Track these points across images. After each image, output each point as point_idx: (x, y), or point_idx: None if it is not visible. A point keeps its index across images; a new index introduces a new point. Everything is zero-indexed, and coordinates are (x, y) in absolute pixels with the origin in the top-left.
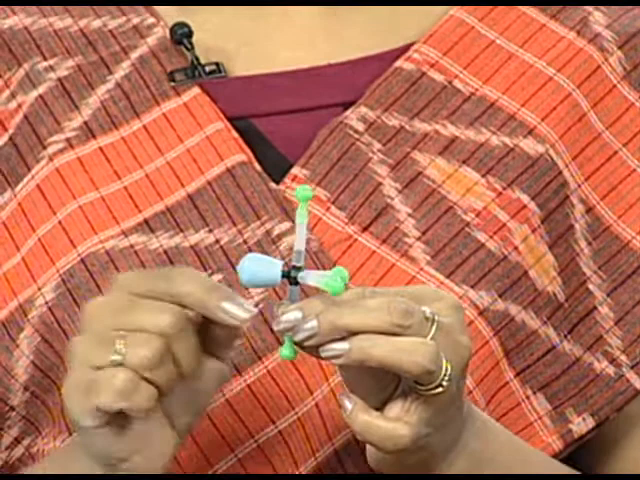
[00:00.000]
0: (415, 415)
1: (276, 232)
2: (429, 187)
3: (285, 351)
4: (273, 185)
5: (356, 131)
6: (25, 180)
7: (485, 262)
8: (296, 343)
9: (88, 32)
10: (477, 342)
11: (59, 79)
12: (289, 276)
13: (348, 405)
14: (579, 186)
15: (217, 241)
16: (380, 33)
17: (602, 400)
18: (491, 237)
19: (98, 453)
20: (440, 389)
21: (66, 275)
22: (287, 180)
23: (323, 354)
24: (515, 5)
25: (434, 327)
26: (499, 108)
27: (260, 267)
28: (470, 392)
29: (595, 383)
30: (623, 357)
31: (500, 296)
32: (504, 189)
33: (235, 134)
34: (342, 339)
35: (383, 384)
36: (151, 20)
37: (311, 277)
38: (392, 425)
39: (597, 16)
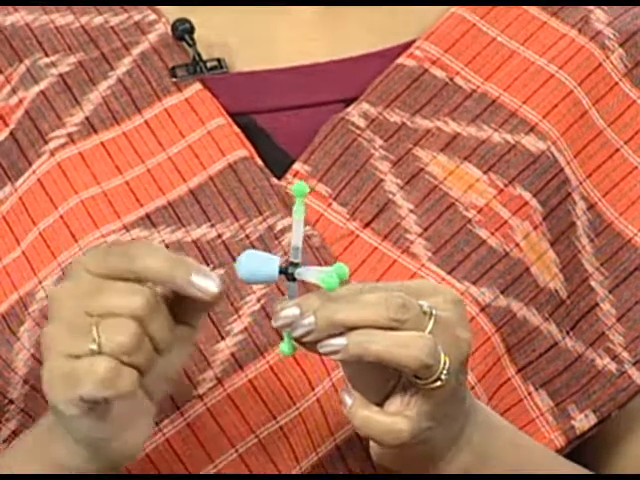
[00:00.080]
0: (415, 409)
1: (278, 227)
2: (431, 183)
3: (284, 347)
4: (275, 180)
5: (358, 127)
6: (26, 174)
7: (487, 259)
8: (295, 339)
9: (90, 29)
10: (479, 338)
11: (60, 75)
12: (286, 272)
13: (348, 400)
14: (581, 183)
15: (219, 236)
16: (382, 30)
17: (604, 397)
18: (493, 234)
19: (83, 437)
20: (439, 383)
21: (67, 269)
22: (289, 176)
23: (321, 350)
24: (516, 4)
25: (432, 321)
26: (500, 105)
27: (258, 263)
28: (472, 388)
29: (597, 380)
30: (625, 354)
31: (502, 293)
32: (506, 186)
33: (237, 129)
34: (340, 335)
35: (385, 379)
36: (152, 17)
37: (308, 273)
38: (391, 419)
39: (598, 14)
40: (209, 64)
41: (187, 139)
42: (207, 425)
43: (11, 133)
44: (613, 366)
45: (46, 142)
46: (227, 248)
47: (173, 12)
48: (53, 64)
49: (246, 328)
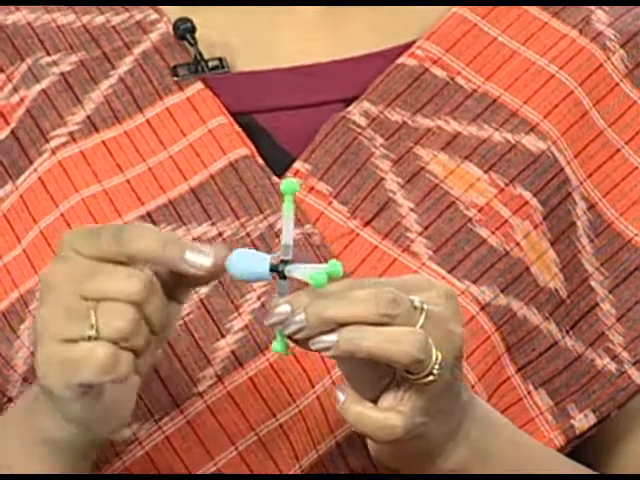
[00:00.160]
0: (408, 404)
1: (279, 226)
2: (431, 182)
3: (277, 345)
4: (276, 179)
5: (359, 126)
6: (27, 173)
7: (487, 258)
8: (288, 337)
9: (91, 28)
10: (479, 337)
11: (62, 74)
12: (277, 270)
13: (341, 396)
14: (581, 183)
15: (220, 234)
16: (383, 30)
17: (604, 396)
18: (493, 233)
19: (73, 417)
20: (431, 377)
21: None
22: (289, 174)
23: (312, 346)
24: (517, 4)
25: (423, 316)
26: (501, 105)
27: (249, 262)
28: (472, 387)
29: (597, 379)
30: (625, 354)
31: (502, 292)
32: (506, 185)
33: (238, 128)
34: (332, 331)
35: (379, 375)
36: (154, 16)
37: (297, 270)
38: (384, 415)
39: (599, 14)
40: (210, 64)
41: (188, 138)
42: (207, 423)
43: (12, 131)
44: (613, 366)
45: (47, 141)
46: None
47: (175, 11)
48: (55, 63)
49: (246, 326)
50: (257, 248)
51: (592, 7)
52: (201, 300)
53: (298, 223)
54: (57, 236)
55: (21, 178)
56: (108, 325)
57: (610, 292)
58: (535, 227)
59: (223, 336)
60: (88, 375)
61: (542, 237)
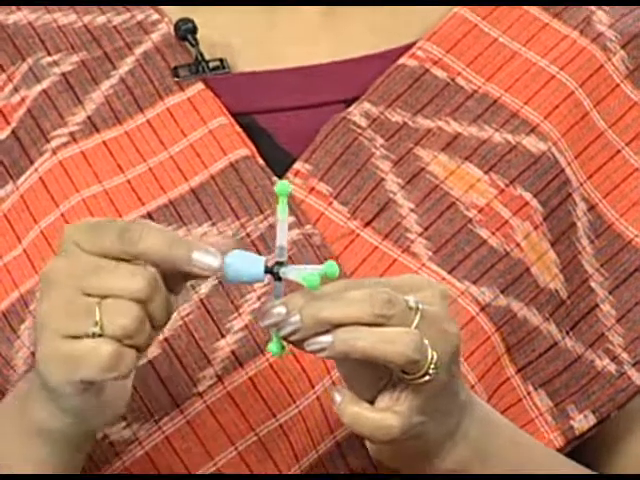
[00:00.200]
0: (405, 404)
1: None
2: (432, 183)
3: (273, 347)
4: (276, 179)
5: (359, 126)
6: (28, 173)
7: (487, 258)
8: (284, 338)
9: (92, 28)
10: (479, 338)
11: (63, 74)
12: (272, 272)
13: (337, 397)
14: (581, 184)
15: (220, 234)
16: (383, 31)
17: (604, 397)
18: (493, 234)
19: (70, 409)
20: (427, 377)
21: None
22: (290, 175)
23: (308, 348)
24: (518, 4)
25: (418, 316)
26: (502, 105)
27: (243, 264)
28: (472, 387)
29: (597, 380)
30: (625, 355)
31: (502, 292)
32: (506, 186)
33: (238, 129)
34: (327, 332)
35: (377, 376)
36: (155, 16)
37: (291, 272)
38: (380, 415)
39: (600, 15)
40: (211, 64)
41: (189, 138)
42: (207, 423)
43: (13, 131)
44: (612, 367)
45: (48, 141)
46: None
47: (175, 12)
48: (55, 63)
49: (246, 326)
50: (257, 248)
51: (593, 8)
52: (201, 300)
53: (298, 223)
54: (57, 236)
55: (22, 178)
56: (112, 322)
57: (610, 293)
58: (535, 228)
59: (223, 336)
60: (91, 372)
61: (542, 238)
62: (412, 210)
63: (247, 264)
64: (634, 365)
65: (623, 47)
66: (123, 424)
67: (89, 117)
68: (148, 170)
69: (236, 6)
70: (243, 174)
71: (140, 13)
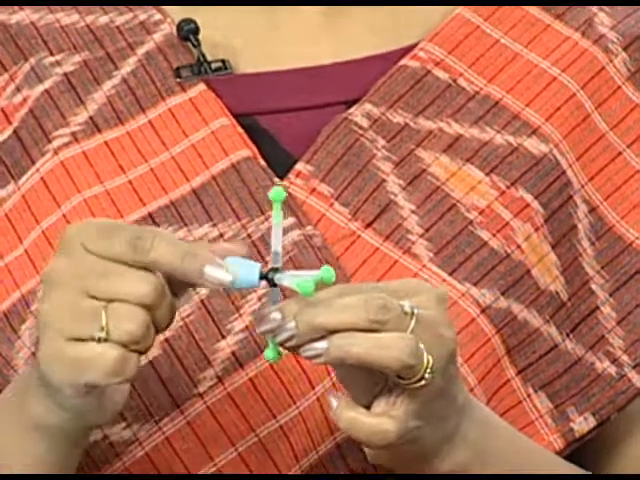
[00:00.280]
0: (401, 409)
1: None
2: (433, 184)
3: (269, 353)
4: (277, 180)
5: (360, 127)
6: (29, 173)
7: (488, 260)
8: (280, 344)
9: (95, 28)
10: (479, 340)
11: (65, 74)
12: (267, 278)
13: (334, 402)
14: (582, 186)
15: (221, 235)
16: (385, 32)
17: (604, 399)
18: (494, 235)
19: (69, 407)
20: (423, 382)
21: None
22: (291, 176)
23: (303, 354)
24: (520, 5)
25: (413, 321)
26: (503, 107)
27: (239, 270)
28: (471, 389)
29: (597, 382)
30: (625, 357)
31: (502, 294)
32: (507, 188)
33: (240, 130)
34: (322, 338)
35: (374, 381)
36: (158, 17)
37: (286, 278)
38: (377, 420)
39: (602, 17)
40: (213, 65)
41: (190, 139)
42: (207, 423)
43: (15, 131)
44: (613, 369)
45: (50, 141)
46: None
47: (177, 12)
48: (58, 63)
49: (247, 327)
50: (258, 249)
51: (595, 10)
52: (202, 301)
53: (299, 224)
54: (59, 236)
55: (23, 178)
56: (119, 328)
57: (610, 295)
58: (536, 230)
59: (223, 337)
60: (96, 377)
61: (543, 240)
62: (413, 211)
63: (242, 270)
64: (634, 367)
65: (625, 49)
66: (123, 424)
67: (91, 117)
68: (149, 170)
69: (237, 6)
70: (244, 175)
71: (142, 13)
